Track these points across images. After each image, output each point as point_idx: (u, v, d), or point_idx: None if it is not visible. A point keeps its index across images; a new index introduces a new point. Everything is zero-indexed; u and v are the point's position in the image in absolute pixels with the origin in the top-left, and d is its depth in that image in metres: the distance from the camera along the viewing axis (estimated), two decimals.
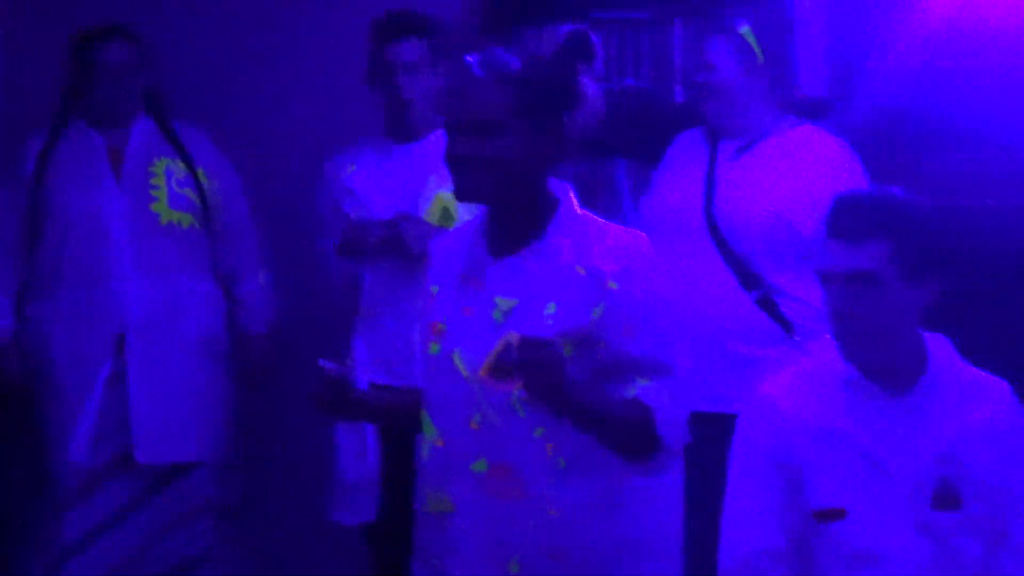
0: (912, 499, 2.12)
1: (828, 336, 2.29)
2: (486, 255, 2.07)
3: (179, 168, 3.17)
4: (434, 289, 2.13)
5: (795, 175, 2.99)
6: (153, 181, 3.16)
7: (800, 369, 2.30)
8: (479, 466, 2.04)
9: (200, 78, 3.48)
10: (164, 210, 3.12)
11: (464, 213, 2.91)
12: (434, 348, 2.09)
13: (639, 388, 2.02)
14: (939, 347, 2.21)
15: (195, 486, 3.17)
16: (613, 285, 1.99)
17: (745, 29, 3.04)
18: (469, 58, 2.01)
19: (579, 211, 2.10)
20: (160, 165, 3.17)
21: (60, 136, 3.12)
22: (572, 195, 2.11)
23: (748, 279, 2.99)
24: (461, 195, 2.07)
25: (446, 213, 2.97)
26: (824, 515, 2.16)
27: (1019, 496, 2.20)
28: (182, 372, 3.14)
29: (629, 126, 3.21)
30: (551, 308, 2.02)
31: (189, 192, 3.15)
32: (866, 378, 2.14)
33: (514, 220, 2.07)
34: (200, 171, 3.17)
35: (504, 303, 2.04)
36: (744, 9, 3.08)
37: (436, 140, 2.92)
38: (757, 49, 2.99)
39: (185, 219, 3.15)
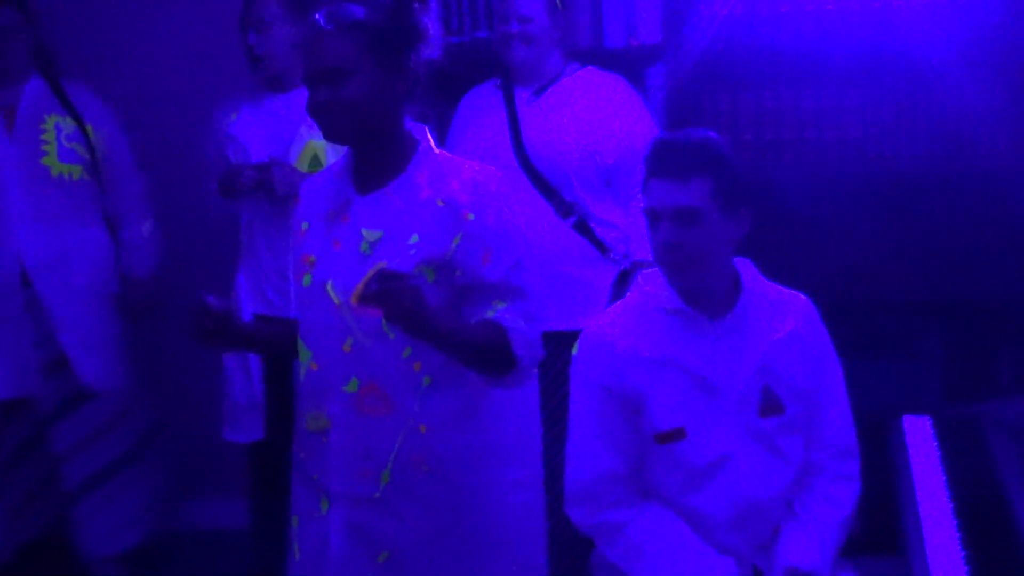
0: (740, 410, 2.24)
1: (647, 272, 2.38)
2: (352, 192, 2.12)
3: (68, 124, 3.24)
4: (304, 226, 2.18)
5: (590, 110, 3.10)
6: (43, 136, 3.22)
7: (626, 304, 2.37)
8: (351, 386, 2.09)
9: (84, 36, 3.57)
10: (54, 163, 3.19)
11: (333, 158, 3.00)
12: (306, 280, 2.14)
13: (497, 311, 2.07)
14: (746, 270, 2.31)
15: (95, 412, 3.30)
16: (470, 216, 2.05)
17: None
18: (316, 14, 2.06)
19: (437, 150, 2.14)
20: (50, 121, 3.24)
21: None
22: (429, 135, 2.15)
23: (563, 207, 3.09)
24: (327, 137, 2.12)
25: (315, 159, 3.05)
26: (665, 437, 2.26)
27: (824, 396, 2.34)
28: (76, 312, 3.24)
29: (479, 73, 3.29)
30: (414, 239, 2.07)
31: (77, 146, 3.22)
32: (688, 305, 2.24)
33: (376, 158, 2.11)
34: (88, 127, 3.24)
35: (370, 235, 2.09)
36: None
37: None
38: (559, 2, 3.11)
39: (75, 171, 3.23)
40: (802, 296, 2.38)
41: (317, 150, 3.02)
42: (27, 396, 3.23)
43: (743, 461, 2.24)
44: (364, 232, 2.08)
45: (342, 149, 2.88)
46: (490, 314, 2.06)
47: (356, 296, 1.98)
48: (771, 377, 2.26)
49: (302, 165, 3.01)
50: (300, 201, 2.25)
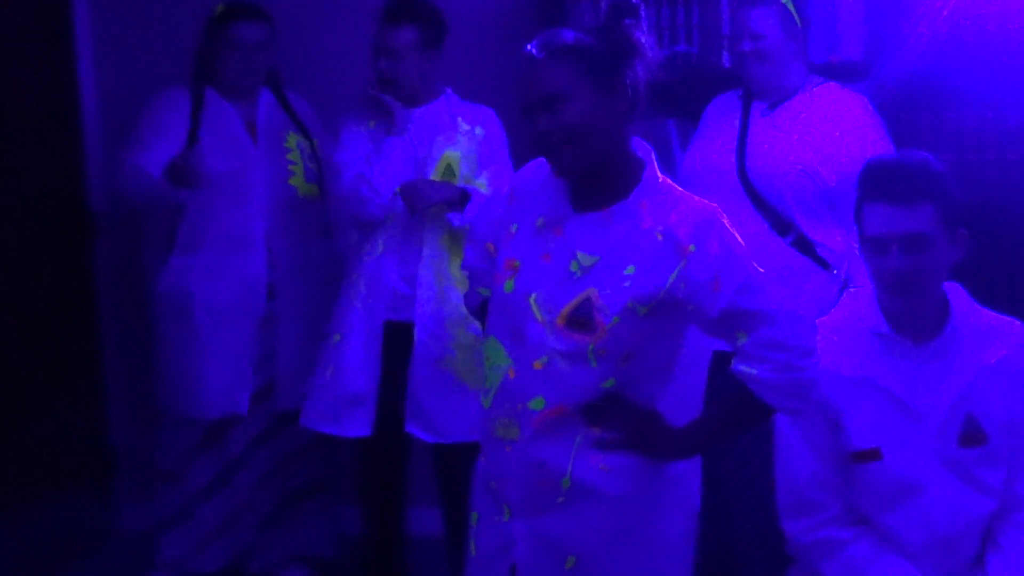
0: (939, 438, 2.23)
1: (854, 291, 2.38)
2: (568, 207, 2.08)
3: (306, 143, 3.24)
4: (513, 228, 2.15)
5: (822, 129, 3.04)
6: (289, 156, 3.23)
7: (831, 323, 2.33)
8: (535, 404, 2.05)
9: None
10: (301, 184, 3.22)
11: (467, 168, 3.09)
12: (508, 285, 2.10)
13: (740, 345, 2.05)
14: (956, 295, 2.27)
15: (292, 438, 3.25)
16: (692, 248, 2.01)
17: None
18: (529, 46, 2.05)
19: (661, 177, 2.11)
20: (292, 140, 3.23)
21: (202, 102, 3.18)
22: (655, 161, 2.12)
23: (781, 226, 3.04)
24: (558, 172, 2.09)
25: (449, 169, 3.06)
26: (861, 456, 2.26)
27: None
28: (303, 329, 3.23)
29: (680, 88, 3.27)
30: (630, 270, 2.01)
31: (316, 165, 3.24)
32: (894, 329, 2.22)
33: (599, 179, 2.08)
34: (315, 141, 3.26)
35: (585, 259, 2.04)
36: None
37: (443, 102, 3.08)
38: (796, 16, 3.06)
39: (315, 190, 3.25)
40: (1017, 322, 2.31)
41: (451, 161, 3.07)
42: (234, 416, 3.21)
43: (937, 489, 2.23)
44: (579, 254, 2.06)
45: (477, 158, 3.03)
46: (742, 339, 2.05)
47: (563, 318, 1.99)
48: (975, 405, 2.23)
49: (437, 175, 3.06)
50: (513, 200, 2.23)
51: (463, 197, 3.00)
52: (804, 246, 3.06)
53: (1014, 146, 3.40)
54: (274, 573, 3.34)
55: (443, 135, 3.04)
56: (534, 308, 2.07)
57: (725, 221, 2.08)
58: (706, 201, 2.12)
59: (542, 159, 2.18)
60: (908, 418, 2.22)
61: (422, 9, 3.05)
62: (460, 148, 3.07)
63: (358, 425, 3.08)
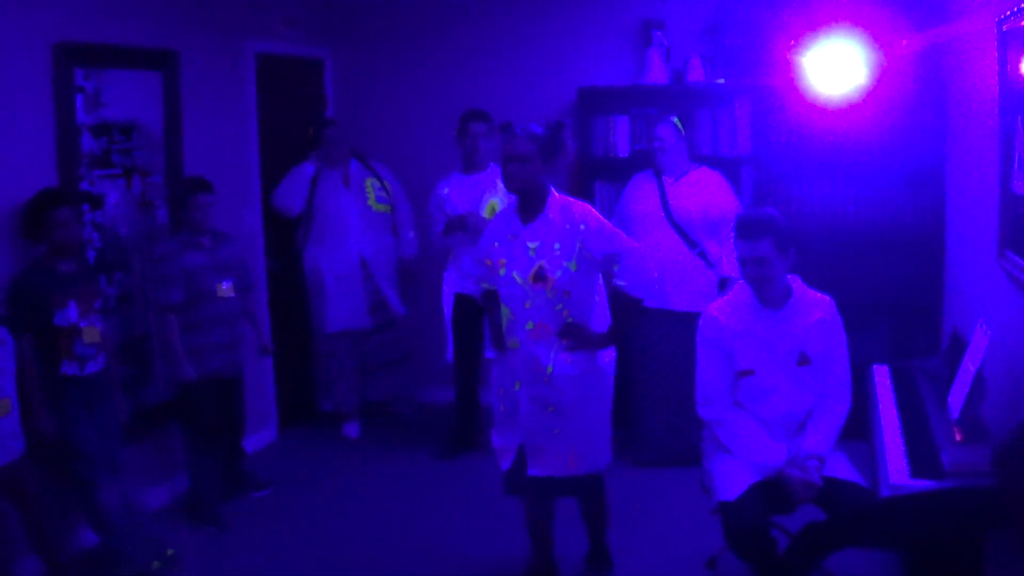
0: (786, 361, 3.06)
1: (740, 282, 3.20)
2: (519, 224, 3.14)
3: (376, 184, 5.36)
4: (496, 244, 3.21)
5: (705, 191, 4.53)
6: (367, 191, 5.35)
7: (728, 299, 3.23)
8: (529, 325, 3.13)
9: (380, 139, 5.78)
10: (374, 204, 5.38)
11: (500, 206, 4.62)
12: (502, 271, 3.16)
13: (615, 271, 3.05)
14: (795, 282, 3.15)
15: (395, 331, 5.60)
16: (582, 226, 3.04)
17: (676, 119, 4.64)
18: (517, 128, 3.16)
19: (559, 197, 3.16)
20: (368, 183, 5.39)
21: (319, 170, 5.31)
22: (554, 189, 3.18)
23: (691, 244, 4.51)
24: (513, 190, 3.13)
25: (492, 209, 4.75)
26: (743, 373, 3.08)
27: (834, 355, 3.11)
28: (387, 275, 5.39)
29: (638, 166, 4.94)
30: (557, 246, 3.04)
31: (384, 194, 5.35)
32: (761, 304, 3.08)
33: (531, 204, 3.13)
34: (386, 183, 5.35)
35: (532, 245, 3.09)
36: (671, 108, 4.78)
37: (490, 172, 4.74)
38: (681, 128, 4.41)
39: (383, 208, 5.40)
40: (828, 297, 3.15)
41: (494, 205, 4.64)
42: (358, 328, 5.41)
43: (785, 390, 3.06)
44: (529, 244, 3.11)
45: (508, 202, 4.17)
46: (615, 267, 3.04)
47: (531, 278, 3.03)
48: (806, 344, 3.06)
49: (486, 214, 4.71)
50: (491, 230, 3.28)
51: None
52: (703, 256, 4.37)
53: (816, 200, 4.94)
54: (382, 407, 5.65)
55: (488, 190, 4.65)
56: (516, 278, 3.15)
57: (593, 210, 3.13)
58: (581, 201, 3.18)
59: (503, 212, 3.26)
60: (769, 352, 3.05)
61: (485, 114, 4.92)
62: (497, 198, 4.65)
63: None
